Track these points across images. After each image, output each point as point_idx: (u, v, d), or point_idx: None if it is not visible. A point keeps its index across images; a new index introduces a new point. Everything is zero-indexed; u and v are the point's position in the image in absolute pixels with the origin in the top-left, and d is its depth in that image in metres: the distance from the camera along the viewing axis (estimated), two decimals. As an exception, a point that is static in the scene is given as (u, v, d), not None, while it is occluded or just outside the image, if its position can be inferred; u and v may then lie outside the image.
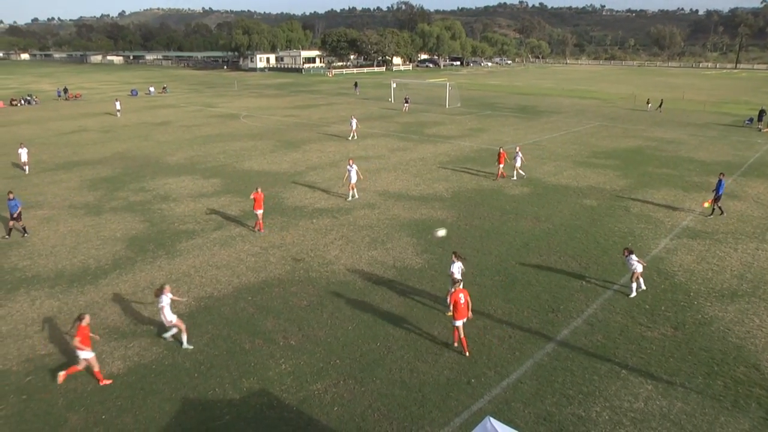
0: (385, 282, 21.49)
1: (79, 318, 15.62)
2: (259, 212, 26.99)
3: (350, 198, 32.11)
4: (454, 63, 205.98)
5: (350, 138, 51.16)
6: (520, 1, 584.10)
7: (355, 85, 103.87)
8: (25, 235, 26.78)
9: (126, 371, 16.06)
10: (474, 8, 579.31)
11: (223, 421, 14.00)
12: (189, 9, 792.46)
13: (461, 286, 16.90)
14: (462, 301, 16.38)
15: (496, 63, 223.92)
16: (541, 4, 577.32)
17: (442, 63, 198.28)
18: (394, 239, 25.95)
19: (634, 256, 20.20)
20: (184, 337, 17.21)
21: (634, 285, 20.38)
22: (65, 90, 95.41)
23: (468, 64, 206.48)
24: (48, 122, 65.48)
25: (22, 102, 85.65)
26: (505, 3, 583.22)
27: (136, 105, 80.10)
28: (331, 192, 33.72)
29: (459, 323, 16.52)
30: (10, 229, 26.71)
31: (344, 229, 27.26)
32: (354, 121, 51.93)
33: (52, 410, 14.52)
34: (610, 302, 19.89)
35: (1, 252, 25.13)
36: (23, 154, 39.54)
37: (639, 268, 20.16)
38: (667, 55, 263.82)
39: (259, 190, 27.26)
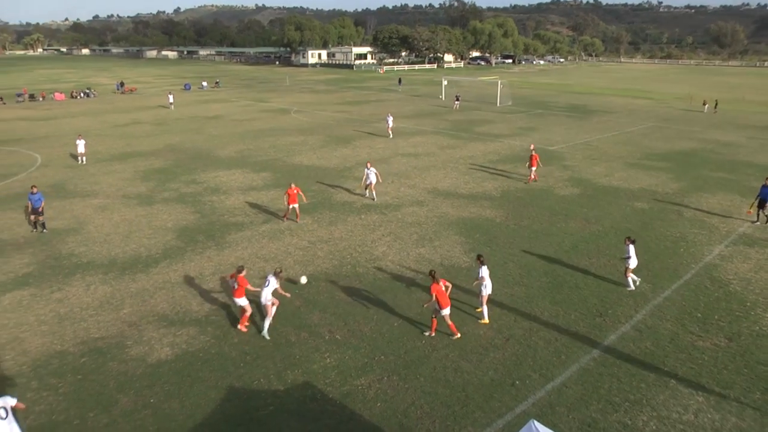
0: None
1: (239, 270, 17.74)
2: (295, 206, 27.64)
3: (367, 195, 32.02)
4: (506, 61, 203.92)
5: (390, 136, 50.71)
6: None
7: (399, 81, 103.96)
8: (44, 231, 26.96)
9: (174, 358, 16.52)
10: (527, 5, 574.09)
11: (267, 411, 14.25)
12: (242, 5, 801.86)
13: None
14: (444, 290, 17.05)
15: (548, 61, 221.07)
16: (595, 0, 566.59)
17: (493, 61, 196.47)
18: (442, 237, 25.96)
19: (633, 248, 20.39)
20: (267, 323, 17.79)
21: (630, 279, 20.79)
22: (121, 84, 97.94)
23: (520, 62, 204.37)
24: (104, 115, 67.36)
25: (82, 95, 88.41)
26: (558, 0, 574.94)
27: (189, 99, 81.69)
28: (379, 188, 33.85)
29: (446, 311, 16.96)
30: (35, 223, 27.16)
31: (392, 226, 27.38)
32: (390, 119, 51.39)
33: (104, 391, 15.07)
34: (660, 309, 19.46)
35: (59, 238, 26.11)
36: (80, 145, 40.78)
37: (633, 263, 20.50)
38: (727, 53, 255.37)
39: (293, 185, 27.78)
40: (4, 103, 79.24)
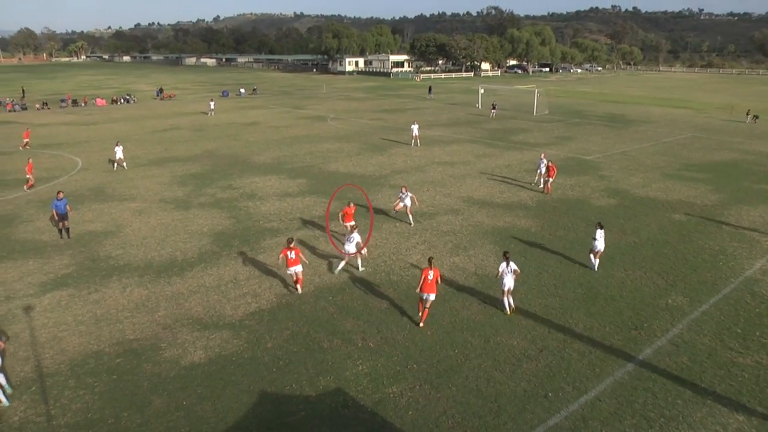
0: (466, 289, 21.47)
1: (289, 241, 20.87)
2: (350, 224, 25.18)
3: (395, 213, 30.15)
4: (543, 69, 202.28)
5: (413, 144, 50.38)
6: (612, 6, 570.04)
7: (429, 90, 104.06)
8: (68, 237, 27.25)
9: (207, 361, 16.76)
10: (565, 13, 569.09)
11: (299, 416, 14.34)
12: (281, 13, 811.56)
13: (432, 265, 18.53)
14: (431, 277, 18.26)
15: (586, 69, 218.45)
16: (634, 8, 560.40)
17: (530, 69, 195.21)
18: (476, 246, 25.86)
19: (601, 232, 22.75)
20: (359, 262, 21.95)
21: (596, 262, 23.18)
22: (161, 90, 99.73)
23: (557, 71, 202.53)
24: (143, 120, 68.61)
25: (122, 101, 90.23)
26: (596, 8, 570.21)
27: (227, 106, 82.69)
28: (414, 195, 33.83)
29: (426, 296, 18.42)
30: (60, 230, 27.52)
31: (427, 234, 27.36)
32: (415, 127, 50.82)
33: (138, 391, 15.37)
34: (698, 323, 19.08)
35: (97, 241, 26.73)
36: (119, 151, 41.49)
37: (599, 246, 22.86)
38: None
39: (352, 204, 26.55)
40: (49, 108, 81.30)
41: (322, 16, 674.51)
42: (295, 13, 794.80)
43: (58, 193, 27.88)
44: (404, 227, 28.38)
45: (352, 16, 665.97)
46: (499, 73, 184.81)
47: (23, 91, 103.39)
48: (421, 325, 18.67)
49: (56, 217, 27.33)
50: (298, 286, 21.18)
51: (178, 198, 33.92)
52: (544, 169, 35.32)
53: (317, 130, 60.53)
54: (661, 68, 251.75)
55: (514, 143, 52.32)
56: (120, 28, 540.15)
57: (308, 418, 14.26)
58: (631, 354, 17.14)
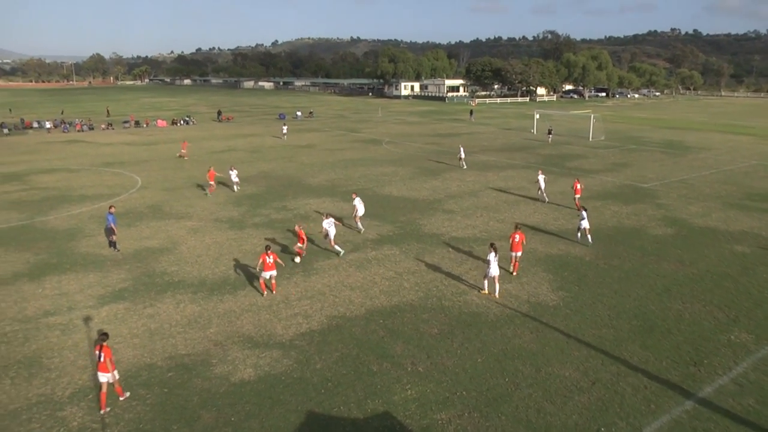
0: (518, 316, 21.17)
1: (267, 247, 22.59)
2: (300, 246, 27.01)
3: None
4: (599, 94, 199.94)
5: (461, 166, 51.90)
6: (671, 29, 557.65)
7: (471, 113, 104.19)
8: (115, 250, 28.43)
9: (256, 379, 16.94)
10: (622, 36, 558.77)
11: (347, 440, 14.30)
12: (338, 38, 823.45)
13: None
14: (517, 239, 24.84)
15: (643, 95, 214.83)
16: (695, 31, 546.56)
17: (586, 94, 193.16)
18: (529, 273, 25.52)
19: (585, 213, 28.99)
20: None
21: (589, 237, 29.00)
22: (219, 112, 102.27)
23: (613, 96, 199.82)
24: (202, 141, 70.36)
25: (182, 122, 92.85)
26: (655, 31, 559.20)
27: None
28: (467, 221, 33.70)
29: (515, 254, 25.02)
30: (113, 242, 28.68)
31: (480, 261, 27.06)
32: (462, 150, 52.95)
33: (188, 405, 15.67)
34: (765, 362, 18.15)
35: (153, 257, 27.51)
36: (233, 175, 42.13)
37: (585, 224, 28.88)
38: None
39: (299, 227, 27.85)
40: (113, 129, 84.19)
41: (378, 40, 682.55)
42: (351, 37, 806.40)
43: (111, 207, 29.47)
44: (456, 253, 28.23)
45: (408, 41, 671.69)
46: (554, 98, 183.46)
47: (108, 111, 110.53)
48: (515, 273, 25.11)
49: (113, 230, 28.50)
50: (273, 291, 22.87)
51: (233, 218, 34.54)
52: (543, 185, 38.84)
53: (372, 153, 61.00)
54: (722, 93, 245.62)
55: (568, 169, 51.67)
56: (182, 52, 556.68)
57: (356, 442, 14.22)
58: (690, 391, 16.47)
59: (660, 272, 25.80)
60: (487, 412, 15.39)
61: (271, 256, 22.44)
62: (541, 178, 38.83)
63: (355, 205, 31.86)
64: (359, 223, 31.97)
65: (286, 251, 28.13)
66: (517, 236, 24.93)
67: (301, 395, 16.12)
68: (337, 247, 27.84)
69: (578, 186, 36.80)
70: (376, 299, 22.67)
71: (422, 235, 31.24)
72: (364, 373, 17.28)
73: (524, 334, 19.75)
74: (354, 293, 23.21)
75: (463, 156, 52.51)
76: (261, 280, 23.00)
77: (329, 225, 27.95)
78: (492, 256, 22.47)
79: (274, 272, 22.68)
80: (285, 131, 74.36)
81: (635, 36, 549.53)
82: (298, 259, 26.54)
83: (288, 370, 17.45)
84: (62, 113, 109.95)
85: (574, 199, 36.78)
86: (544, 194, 39.08)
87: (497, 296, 22.75)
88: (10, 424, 14.93)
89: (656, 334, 19.90)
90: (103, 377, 15.51)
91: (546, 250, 28.66)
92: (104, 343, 15.68)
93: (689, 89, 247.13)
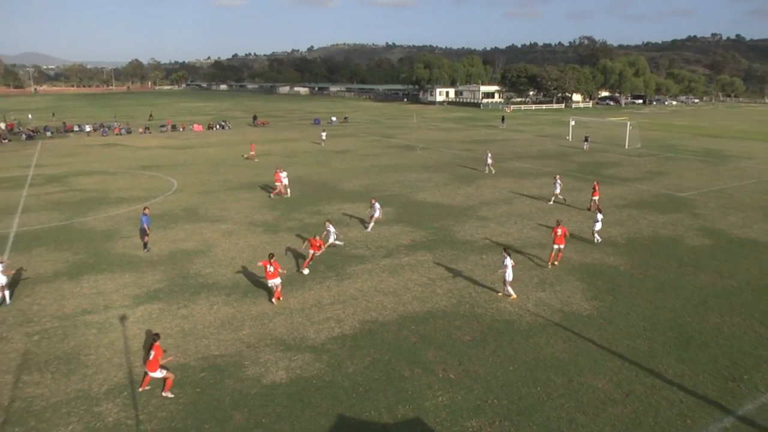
0: (551, 325, 20.99)
1: (270, 256, 22.74)
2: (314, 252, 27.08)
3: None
4: (636, 101, 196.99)
5: (487, 172, 52.30)
6: (712, 34, 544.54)
7: (503, 119, 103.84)
8: (146, 250, 29.08)
9: (288, 382, 17.08)
10: (660, 42, 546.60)
11: (377, 445, 14.32)
12: (373, 44, 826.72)
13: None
14: (560, 233, 26.38)
15: (682, 102, 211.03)
16: (737, 36, 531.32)
17: (623, 101, 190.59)
18: (563, 282, 25.29)
19: (601, 215, 30.49)
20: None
21: (597, 236, 30.65)
22: (255, 117, 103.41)
23: (650, 103, 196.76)
24: (237, 146, 71.17)
25: (218, 127, 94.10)
26: (694, 36, 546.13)
27: (317, 133, 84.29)
28: (500, 228, 33.52)
29: (558, 246, 26.63)
30: (146, 243, 29.36)
31: (513, 267, 26.88)
32: (489, 155, 53.54)
33: (220, 406, 15.89)
34: (808, 378, 17.55)
35: (188, 259, 27.95)
36: (284, 178, 42.34)
37: (599, 226, 30.35)
38: None
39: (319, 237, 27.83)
40: (150, 133, 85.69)
41: (413, 46, 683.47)
42: (387, 43, 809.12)
43: (145, 208, 30.16)
44: (490, 259, 28.09)
45: (444, 47, 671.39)
46: (590, 104, 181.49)
47: (151, 114, 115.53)
48: (557, 263, 26.85)
49: (146, 230, 29.21)
50: (274, 300, 22.63)
51: (267, 221, 34.84)
52: (558, 189, 40.22)
53: (406, 159, 61.04)
54: (766, 100, 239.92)
55: (604, 177, 51.01)
56: (218, 58, 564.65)
57: (386, 448, 14.23)
58: (729, 408, 16.02)
59: (697, 284, 25.33)
60: (518, 421, 15.27)
61: (273, 266, 22.37)
62: (557, 182, 40.53)
63: (374, 207, 33.29)
64: (371, 224, 33.43)
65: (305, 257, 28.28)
66: (560, 230, 26.56)
67: (332, 399, 16.20)
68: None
69: (597, 189, 38.44)
70: (409, 305, 22.67)
71: (455, 241, 31.15)
72: (395, 378, 17.29)
73: (557, 344, 19.57)
74: (387, 298, 23.24)
75: (490, 162, 52.91)
76: (274, 289, 22.91)
77: (331, 232, 28.92)
78: (508, 261, 23.00)
79: (277, 280, 22.60)
80: (324, 137, 74.30)
81: (674, 42, 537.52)
82: (307, 271, 26.18)
83: (319, 373, 17.55)
84: (115, 116, 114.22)
85: (593, 201, 38.06)
86: (558, 197, 40.48)
87: (500, 296, 23.60)
88: (52, 417, 15.39)
89: (693, 347, 19.51)
90: (152, 374, 16.24)
91: (580, 259, 28.36)
92: (155, 343, 16.34)
93: (730, 96, 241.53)
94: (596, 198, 37.92)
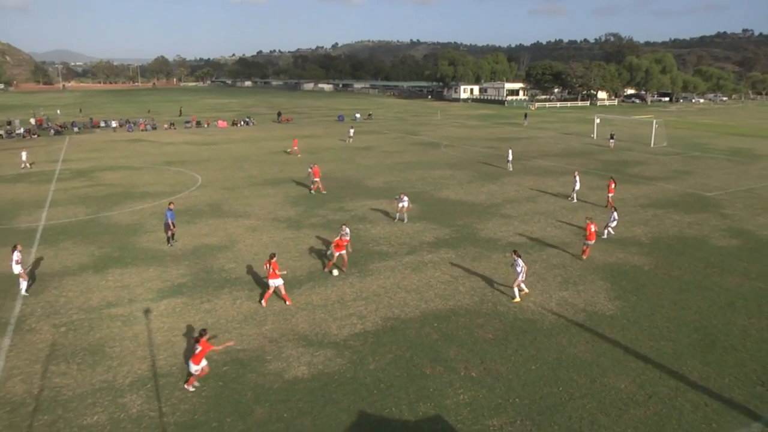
0: (574, 325, 20.83)
1: (271, 255, 22.59)
2: (341, 252, 26.13)
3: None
4: (662, 99, 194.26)
5: (508, 168, 52.49)
6: (743, 30, 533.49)
7: (525, 116, 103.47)
8: (169, 245, 29.41)
9: (310, 377, 17.17)
10: (688, 39, 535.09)
11: (398, 443, 14.32)
12: (398, 41, 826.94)
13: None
14: (593, 229, 27.54)
15: (709, 99, 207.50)
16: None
17: (648, 98, 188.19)
18: (586, 281, 25.09)
19: (616, 214, 31.71)
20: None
21: (610, 231, 31.33)
22: (279, 114, 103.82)
23: (677, 101, 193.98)
24: (261, 142, 71.62)
25: (242, 123, 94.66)
26: (724, 32, 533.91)
27: (342, 130, 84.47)
28: (524, 227, 33.34)
29: (589, 242, 27.71)
30: (170, 237, 29.65)
31: (536, 266, 26.79)
32: (510, 152, 53.60)
33: (242, 399, 16.06)
34: (840, 384, 17.16)
35: (212, 254, 28.24)
36: (312, 174, 42.49)
37: (614, 223, 31.51)
38: None
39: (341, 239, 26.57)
40: (175, 129, 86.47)
41: (438, 43, 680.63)
42: (411, 40, 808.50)
43: (170, 203, 30.44)
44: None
45: (468, 44, 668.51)
46: (615, 102, 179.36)
47: (181, 110, 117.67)
48: (585, 257, 27.74)
49: (170, 225, 29.39)
50: (287, 302, 22.34)
51: (291, 217, 35.00)
52: (577, 186, 40.31)
53: (430, 156, 60.94)
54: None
55: (629, 176, 50.50)
56: (243, 55, 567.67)
57: (406, 445, 14.23)
58: (757, 413, 15.70)
59: (723, 285, 24.94)
60: (539, 420, 15.19)
61: (272, 266, 21.98)
62: (577, 179, 40.63)
63: (402, 199, 33.88)
64: (404, 214, 34.35)
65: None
66: (593, 226, 27.54)
67: (353, 395, 16.25)
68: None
69: (612, 186, 38.52)
70: (431, 302, 22.65)
71: (479, 239, 31.05)
72: (416, 375, 17.29)
73: (579, 343, 19.43)
74: (409, 295, 23.24)
75: (510, 159, 52.96)
76: (280, 292, 22.59)
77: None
78: (520, 262, 22.86)
79: (278, 281, 22.13)
80: (351, 134, 73.76)
81: (702, 38, 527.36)
82: (336, 272, 25.66)
83: (341, 369, 17.61)
84: (149, 112, 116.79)
85: (608, 198, 38.45)
86: (575, 194, 40.66)
87: (518, 299, 23.18)
88: (78, 406, 15.66)
89: (718, 350, 19.22)
90: (192, 368, 16.34)
91: (604, 259, 28.11)
92: (203, 338, 16.44)
93: (761, 94, 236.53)
94: (611, 195, 38.24)
